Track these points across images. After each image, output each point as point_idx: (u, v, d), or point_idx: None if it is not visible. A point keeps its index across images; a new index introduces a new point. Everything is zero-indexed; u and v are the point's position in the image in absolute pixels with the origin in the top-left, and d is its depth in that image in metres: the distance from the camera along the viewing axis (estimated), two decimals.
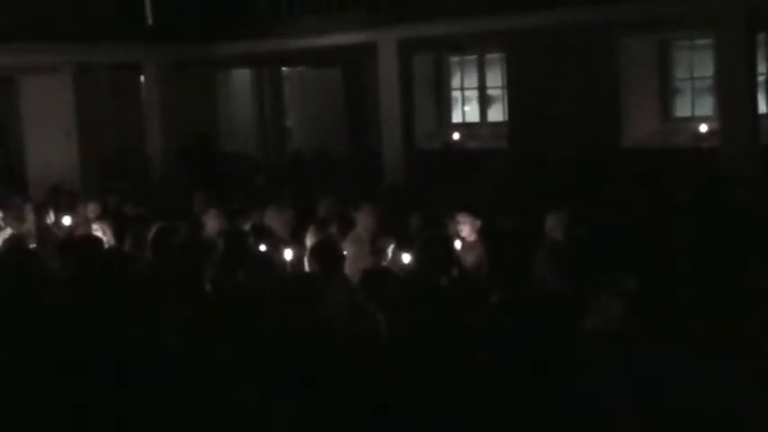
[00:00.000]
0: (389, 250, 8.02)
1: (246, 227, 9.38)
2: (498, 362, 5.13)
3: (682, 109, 17.25)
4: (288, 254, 8.15)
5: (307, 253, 8.23)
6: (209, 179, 14.62)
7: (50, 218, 10.64)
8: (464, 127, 20.03)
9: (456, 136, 19.41)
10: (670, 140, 16.53)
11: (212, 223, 9.35)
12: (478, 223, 8.62)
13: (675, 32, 16.49)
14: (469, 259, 8.24)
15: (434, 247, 7.19)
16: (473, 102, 20.18)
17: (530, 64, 17.39)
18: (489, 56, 19.51)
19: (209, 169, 16.24)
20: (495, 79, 19.54)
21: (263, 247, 8.34)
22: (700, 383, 4.81)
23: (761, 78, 13.88)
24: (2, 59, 14.86)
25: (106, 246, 8.91)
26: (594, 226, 8.65)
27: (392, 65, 14.99)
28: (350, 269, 7.75)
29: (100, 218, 10.09)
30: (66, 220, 10.49)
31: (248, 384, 5.16)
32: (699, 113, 16.84)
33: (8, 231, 10.00)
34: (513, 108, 18.24)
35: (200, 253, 7.44)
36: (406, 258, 7.66)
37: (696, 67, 16.96)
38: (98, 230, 9.48)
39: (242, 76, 21.09)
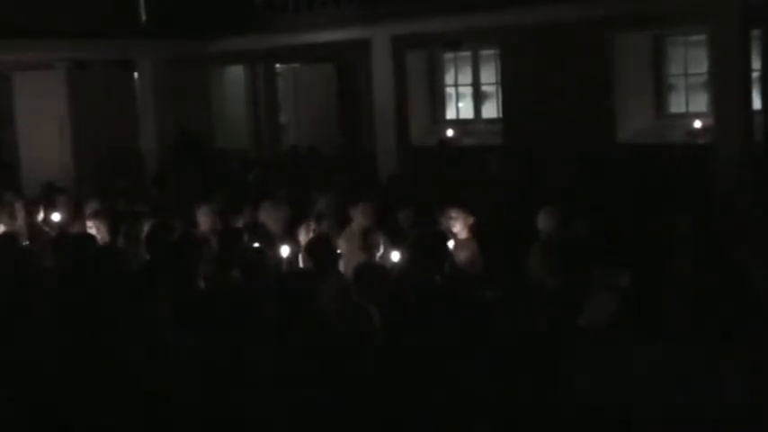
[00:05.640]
0: (381, 246, 8.03)
1: (240, 224, 9.38)
2: (493, 359, 5.13)
3: (676, 105, 17.25)
4: (284, 250, 8.15)
5: (302, 250, 8.24)
6: (199, 175, 14.60)
7: (41, 215, 10.63)
8: (458, 123, 20.02)
9: (450, 132, 19.40)
10: (664, 136, 16.54)
11: (206, 220, 9.34)
12: (471, 220, 8.62)
13: (670, 28, 16.49)
14: (462, 256, 8.23)
15: (428, 242, 7.18)
16: (467, 98, 20.16)
17: (524, 60, 17.39)
18: (483, 52, 19.50)
19: (199, 165, 16.21)
20: (490, 75, 19.52)
21: (256, 244, 8.33)
22: (695, 381, 4.81)
23: (755, 75, 13.89)
24: None
25: (100, 243, 8.90)
26: (588, 222, 8.64)
27: (386, 61, 14.99)
28: (345, 266, 7.75)
29: (94, 215, 10.08)
30: (57, 217, 10.48)
31: (245, 382, 5.16)
32: (693, 109, 16.85)
33: (0, 229, 9.98)
34: (507, 104, 18.24)
35: (195, 250, 7.43)
36: (395, 255, 7.67)
37: (690, 63, 16.96)
38: (92, 228, 9.47)
39: (236, 73, 21.07)
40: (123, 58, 17.05)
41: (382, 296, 6.15)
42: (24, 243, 9.32)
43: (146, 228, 8.69)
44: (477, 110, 19.90)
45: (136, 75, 17.91)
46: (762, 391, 4.72)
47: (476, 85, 19.86)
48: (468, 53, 19.71)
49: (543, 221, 8.11)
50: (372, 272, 6.82)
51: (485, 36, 17.60)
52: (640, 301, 6.02)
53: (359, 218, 8.90)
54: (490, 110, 19.62)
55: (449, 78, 20.44)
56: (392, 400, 4.87)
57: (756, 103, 13.88)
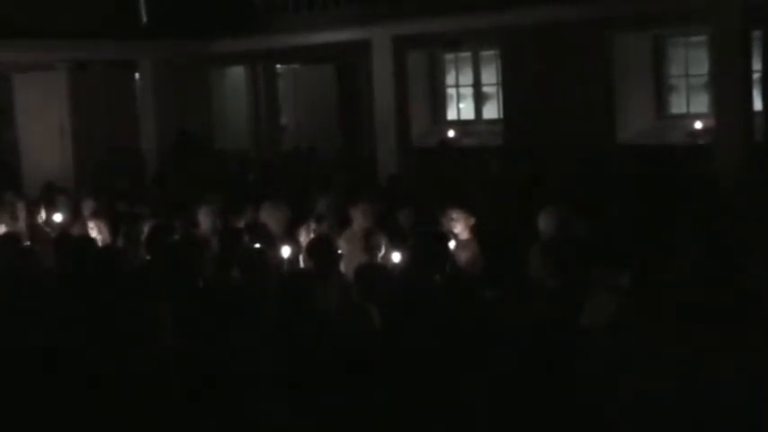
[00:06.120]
0: (382, 247, 8.03)
1: (241, 224, 9.38)
2: (495, 359, 5.13)
3: (676, 106, 17.26)
4: (285, 251, 8.16)
5: (302, 250, 8.24)
6: (198, 176, 14.60)
7: (42, 215, 10.63)
8: (459, 124, 20.02)
9: (451, 133, 19.41)
10: (665, 137, 16.55)
11: (206, 220, 9.34)
12: (472, 220, 8.62)
13: (670, 29, 16.50)
14: (463, 257, 8.23)
15: (428, 243, 7.18)
16: (468, 99, 20.17)
17: (525, 60, 17.39)
18: (484, 53, 19.51)
19: (198, 166, 16.21)
20: (490, 76, 19.53)
21: (257, 245, 8.33)
22: (695, 380, 4.81)
23: (755, 75, 13.88)
24: None
25: (101, 244, 8.91)
26: (588, 222, 8.64)
27: (386, 62, 14.98)
28: (346, 266, 7.75)
29: (95, 215, 10.09)
30: (58, 218, 10.49)
31: (245, 382, 5.16)
32: (693, 110, 16.86)
33: (2, 229, 9.98)
34: (508, 105, 18.24)
35: (195, 251, 7.44)
36: (396, 256, 7.68)
37: (691, 63, 16.96)
38: (93, 228, 9.47)
39: (236, 74, 21.08)
40: (124, 58, 17.05)
41: (383, 297, 6.15)
42: (26, 244, 9.33)
43: (146, 228, 8.70)
44: (478, 110, 19.91)
45: (136, 75, 17.91)
46: (761, 390, 4.72)
47: (476, 85, 19.86)
48: (468, 54, 19.72)
49: (543, 222, 8.10)
50: (373, 272, 6.82)
51: (485, 37, 17.60)
52: (640, 301, 6.02)
53: (359, 218, 8.89)
54: (491, 110, 19.62)
55: (449, 79, 20.45)
56: (393, 399, 4.87)
57: (757, 104, 13.88)
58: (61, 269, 7.80)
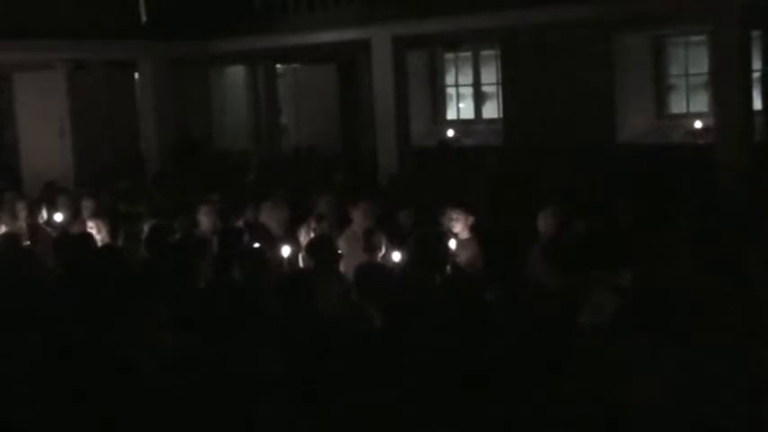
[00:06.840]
0: (383, 247, 8.04)
1: (241, 224, 9.39)
2: (495, 359, 5.13)
3: (676, 105, 17.25)
4: (285, 251, 8.16)
5: (302, 249, 8.25)
6: (199, 176, 14.60)
7: (43, 215, 10.64)
8: (459, 124, 20.02)
9: (451, 133, 19.40)
10: (665, 137, 16.55)
11: (206, 220, 9.35)
12: (471, 220, 8.63)
13: (670, 29, 16.50)
14: (463, 256, 8.24)
15: (429, 243, 7.19)
16: (468, 98, 20.16)
17: (525, 60, 17.40)
18: (484, 52, 19.50)
19: (198, 166, 16.21)
20: (490, 76, 19.52)
21: (257, 244, 8.34)
22: (695, 380, 4.81)
23: (755, 75, 13.88)
24: None
25: (100, 243, 8.91)
26: (588, 222, 8.65)
27: (386, 61, 14.98)
28: (346, 266, 7.76)
29: (95, 215, 10.09)
30: (59, 218, 10.49)
31: (245, 382, 5.16)
32: (693, 110, 16.85)
33: (2, 229, 9.99)
34: (507, 105, 18.23)
35: (195, 250, 7.45)
36: (396, 256, 7.69)
37: (691, 63, 16.95)
38: (93, 228, 9.48)
39: (236, 74, 21.07)
40: (123, 58, 17.05)
41: (383, 297, 6.16)
42: (26, 243, 9.33)
43: (146, 228, 8.70)
44: (478, 110, 19.90)
45: (136, 75, 17.91)
46: (762, 390, 4.72)
47: (476, 85, 19.86)
48: (468, 53, 19.72)
49: (543, 221, 8.12)
50: (373, 272, 6.82)
51: (485, 36, 17.60)
52: (640, 301, 6.03)
53: (359, 218, 8.90)
54: (491, 110, 19.61)
55: (449, 79, 20.44)
56: (393, 399, 4.87)
57: (757, 104, 13.88)
58: (61, 268, 7.80)
